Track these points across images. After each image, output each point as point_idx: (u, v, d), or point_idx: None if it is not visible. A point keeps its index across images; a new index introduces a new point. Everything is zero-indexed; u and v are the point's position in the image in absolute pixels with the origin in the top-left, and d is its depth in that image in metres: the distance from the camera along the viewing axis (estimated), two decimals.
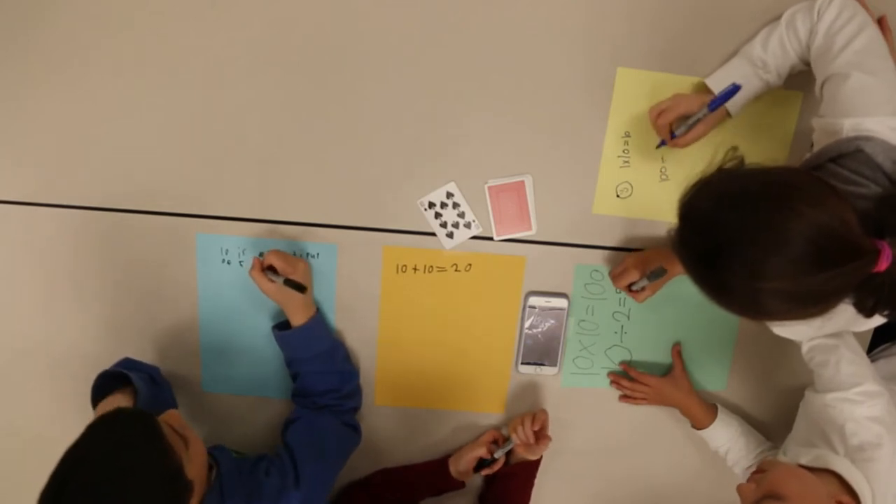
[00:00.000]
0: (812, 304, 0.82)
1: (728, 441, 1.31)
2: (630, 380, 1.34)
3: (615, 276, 1.25)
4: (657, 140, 1.18)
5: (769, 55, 1.08)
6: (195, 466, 0.97)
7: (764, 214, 0.79)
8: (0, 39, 1.18)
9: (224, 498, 1.06)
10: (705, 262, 0.83)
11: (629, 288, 1.22)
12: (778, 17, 1.08)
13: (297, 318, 1.21)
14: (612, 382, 1.36)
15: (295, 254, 1.25)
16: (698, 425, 1.32)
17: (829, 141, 0.93)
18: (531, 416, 1.28)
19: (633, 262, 1.22)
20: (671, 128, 1.14)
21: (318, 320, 1.24)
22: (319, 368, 1.23)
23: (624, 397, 1.36)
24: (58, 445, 0.89)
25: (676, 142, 1.13)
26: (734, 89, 1.08)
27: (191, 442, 0.99)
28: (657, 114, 1.14)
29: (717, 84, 1.12)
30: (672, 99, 1.14)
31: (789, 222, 0.77)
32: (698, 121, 1.10)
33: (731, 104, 1.10)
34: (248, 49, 1.18)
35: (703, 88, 1.16)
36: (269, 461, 1.16)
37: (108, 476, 0.87)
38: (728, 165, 0.88)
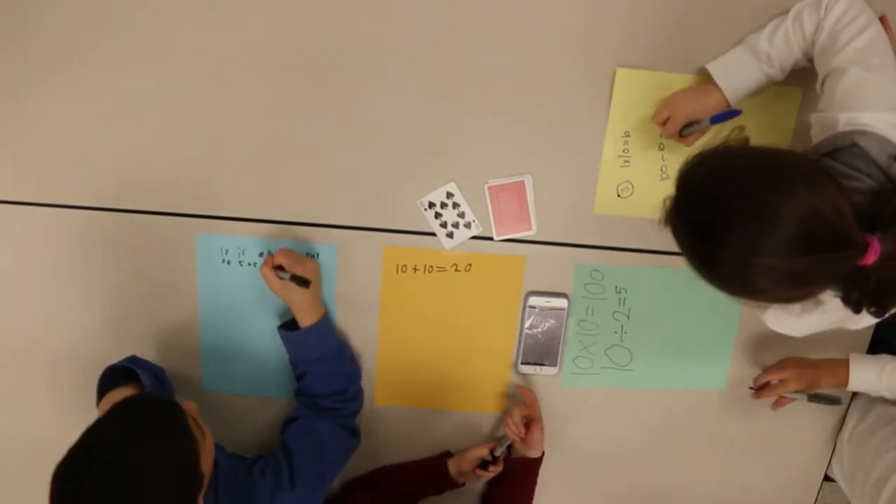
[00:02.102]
0: (798, 285, 0.83)
1: (874, 384, 1.21)
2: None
3: (771, 387, 1.26)
4: (660, 136, 1.21)
5: (774, 49, 1.08)
6: (207, 461, 0.97)
7: (761, 191, 0.80)
8: (0, 39, 1.18)
9: (219, 497, 1.06)
10: (699, 234, 0.84)
11: (680, 134, 1.18)
12: (783, 12, 1.08)
13: (306, 319, 1.20)
14: (755, 394, 1.32)
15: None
16: (844, 385, 1.23)
17: (825, 135, 0.94)
18: (519, 405, 1.29)
19: (794, 373, 1.24)
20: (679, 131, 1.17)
21: (327, 321, 1.23)
22: (326, 369, 1.23)
23: (777, 402, 1.31)
24: (58, 445, 0.89)
25: (683, 141, 1.17)
26: (736, 113, 1.10)
27: (206, 435, 1.00)
28: (662, 122, 1.17)
29: (719, 71, 1.12)
30: (673, 103, 1.15)
31: (785, 202, 0.78)
32: (700, 128, 1.14)
33: (733, 96, 1.11)
34: (248, 49, 1.18)
35: (704, 75, 1.15)
36: (265, 462, 1.16)
37: (132, 455, 0.87)
38: (732, 142, 0.89)
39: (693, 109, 1.13)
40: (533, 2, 1.17)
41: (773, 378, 1.27)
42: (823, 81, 0.99)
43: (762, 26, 1.11)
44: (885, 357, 1.21)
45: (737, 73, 1.11)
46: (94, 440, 0.90)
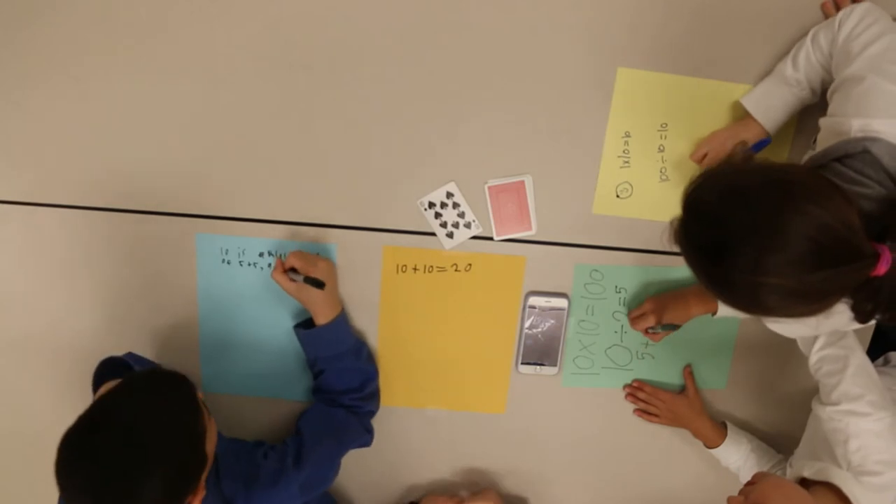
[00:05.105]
0: (809, 301, 0.83)
1: (739, 459, 1.32)
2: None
3: (633, 319, 1.29)
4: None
5: (801, 73, 1.10)
6: (211, 445, 0.99)
7: (768, 211, 0.79)
8: (0, 39, 1.18)
9: (220, 479, 1.07)
10: (708, 255, 0.84)
11: (646, 331, 1.27)
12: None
13: (322, 317, 1.20)
14: (627, 395, 1.37)
15: None
16: (710, 445, 1.33)
17: (835, 140, 0.93)
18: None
19: (652, 307, 1.26)
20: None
21: (344, 318, 1.24)
22: (344, 366, 1.23)
23: (638, 411, 1.37)
24: (58, 443, 0.89)
25: None
26: (766, 142, 1.14)
27: (211, 422, 1.02)
28: (700, 158, 1.18)
29: (753, 103, 1.15)
30: (711, 140, 1.18)
31: (793, 220, 0.78)
32: None
33: (770, 124, 1.14)
34: (248, 49, 1.18)
35: (739, 109, 1.17)
36: (270, 447, 1.17)
37: (141, 418, 0.90)
38: (736, 159, 0.88)
39: (732, 144, 1.13)
40: (533, 1, 1.17)
41: (634, 314, 1.29)
42: (836, 89, 0.98)
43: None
44: None
45: (770, 103, 1.13)
46: (104, 406, 0.93)
